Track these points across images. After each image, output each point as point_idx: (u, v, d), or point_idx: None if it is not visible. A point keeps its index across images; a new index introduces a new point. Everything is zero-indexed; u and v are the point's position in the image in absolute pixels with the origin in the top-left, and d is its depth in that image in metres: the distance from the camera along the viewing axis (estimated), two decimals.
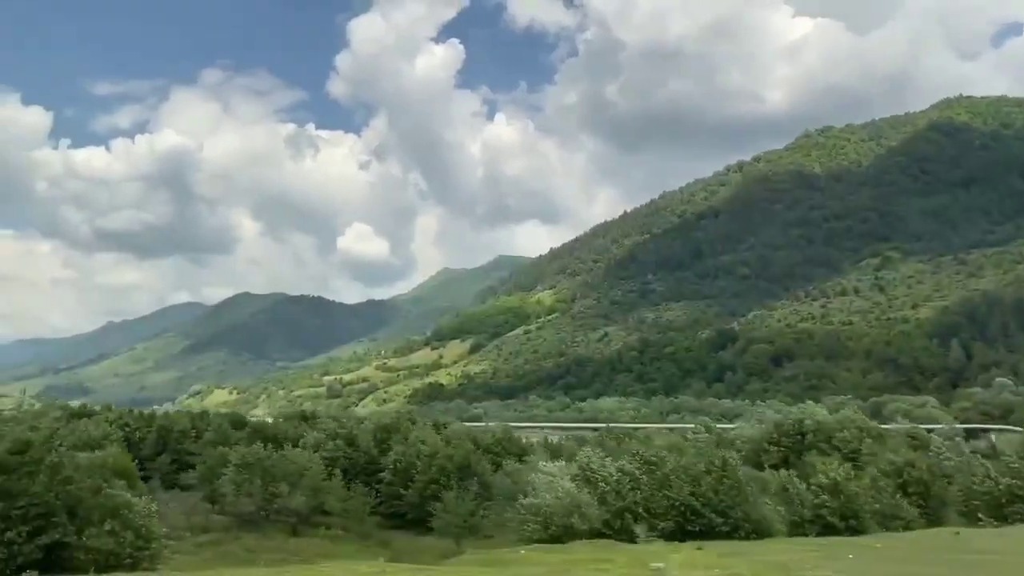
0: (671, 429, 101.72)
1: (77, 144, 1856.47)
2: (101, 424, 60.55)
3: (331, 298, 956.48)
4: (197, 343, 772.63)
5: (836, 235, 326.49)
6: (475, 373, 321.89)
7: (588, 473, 31.21)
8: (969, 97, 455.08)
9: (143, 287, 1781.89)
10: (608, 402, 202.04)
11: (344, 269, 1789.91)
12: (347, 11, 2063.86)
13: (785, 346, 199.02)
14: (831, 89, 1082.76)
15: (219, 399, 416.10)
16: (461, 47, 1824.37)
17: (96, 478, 29.50)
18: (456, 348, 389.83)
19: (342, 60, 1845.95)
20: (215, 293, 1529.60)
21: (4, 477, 24.79)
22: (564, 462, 36.02)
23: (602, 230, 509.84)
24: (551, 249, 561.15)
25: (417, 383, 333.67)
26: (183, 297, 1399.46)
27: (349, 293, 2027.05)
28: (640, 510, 29.53)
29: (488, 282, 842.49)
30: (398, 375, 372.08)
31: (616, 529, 29.29)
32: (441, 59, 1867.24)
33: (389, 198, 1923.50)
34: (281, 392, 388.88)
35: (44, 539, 23.90)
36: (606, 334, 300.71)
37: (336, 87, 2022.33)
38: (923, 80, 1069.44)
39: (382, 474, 50.07)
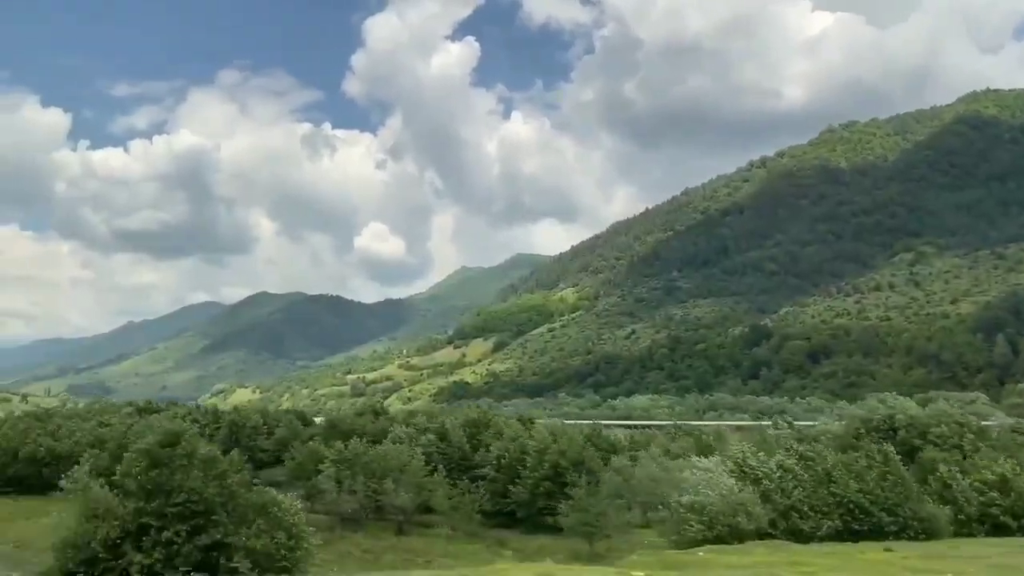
0: (738, 427, 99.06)
1: (96, 145, 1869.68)
2: (175, 420, 59.22)
3: (349, 297, 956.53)
4: (216, 343, 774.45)
5: (865, 230, 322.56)
6: (500, 371, 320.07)
7: (747, 469, 29.28)
8: (996, 90, 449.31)
9: (161, 287, 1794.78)
10: (641, 400, 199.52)
11: (361, 268, 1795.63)
12: (363, 10, 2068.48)
13: (821, 342, 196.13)
14: (851, 84, 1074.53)
15: (242, 398, 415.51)
16: (477, 45, 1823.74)
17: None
18: (479, 347, 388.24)
19: (358, 59, 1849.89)
20: (233, 293, 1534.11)
21: (157, 471, 22.99)
22: (717, 457, 34.04)
23: (624, 227, 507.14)
24: (572, 247, 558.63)
25: (442, 382, 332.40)
26: (201, 297, 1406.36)
27: (366, 292, 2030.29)
28: (805, 508, 27.58)
29: (506, 280, 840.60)
30: (421, 374, 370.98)
31: (782, 529, 27.37)
32: (457, 57, 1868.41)
33: (405, 197, 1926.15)
34: (304, 391, 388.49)
35: (204, 539, 22.01)
36: (633, 332, 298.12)
37: (352, 86, 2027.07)
38: (944, 74, 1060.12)
39: (482, 470, 48.24)
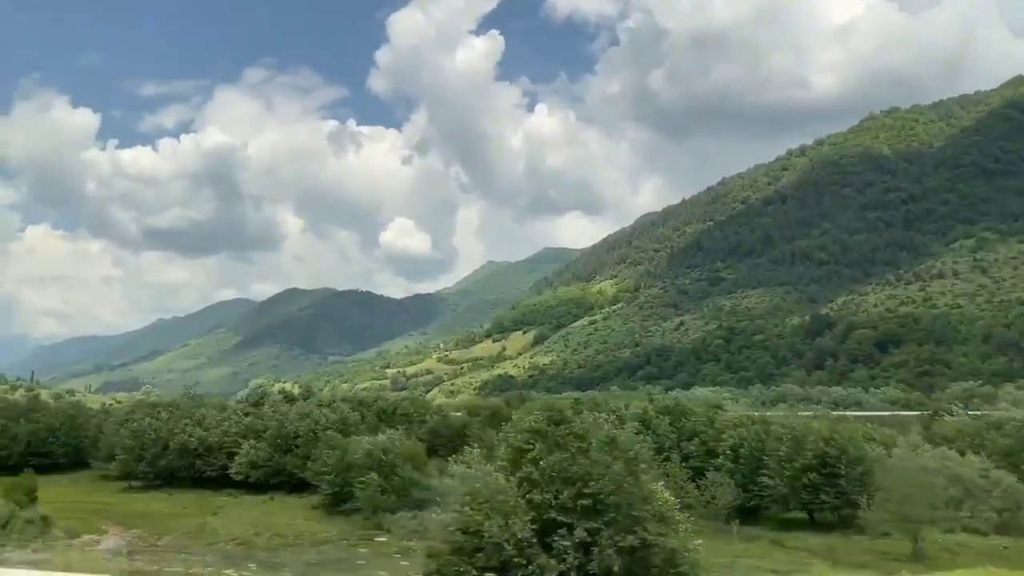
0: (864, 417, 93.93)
1: (124, 144, 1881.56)
2: (338, 407, 56.29)
3: (377, 293, 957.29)
4: (248, 339, 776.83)
5: (916, 218, 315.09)
6: (544, 364, 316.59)
7: None
8: None
9: (190, 285, 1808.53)
10: (702, 391, 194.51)
11: (387, 264, 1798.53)
12: (387, 6, 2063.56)
13: (889, 331, 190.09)
14: (883, 72, 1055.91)
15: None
16: (501, 38, 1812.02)
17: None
18: (519, 340, 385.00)
19: (382, 55, 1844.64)
20: (261, 290, 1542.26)
21: (562, 455, 18.65)
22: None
23: (660, 218, 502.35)
24: (604, 239, 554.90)
25: (484, 375, 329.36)
26: (229, 294, 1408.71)
27: (392, 288, 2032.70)
28: None
29: (534, 274, 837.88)
30: (461, 367, 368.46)
31: None
32: (481, 51, 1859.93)
33: (431, 192, 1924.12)
34: (344, 385, 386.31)
35: (631, 540, 17.50)
36: (682, 323, 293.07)
37: (377, 83, 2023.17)
38: (979, 60, 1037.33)
39: (714, 461, 43.50)
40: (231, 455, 52.39)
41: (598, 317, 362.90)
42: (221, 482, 56.56)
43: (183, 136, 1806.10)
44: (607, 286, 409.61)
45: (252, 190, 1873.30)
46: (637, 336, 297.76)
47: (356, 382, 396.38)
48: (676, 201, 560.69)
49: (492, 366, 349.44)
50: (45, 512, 37.97)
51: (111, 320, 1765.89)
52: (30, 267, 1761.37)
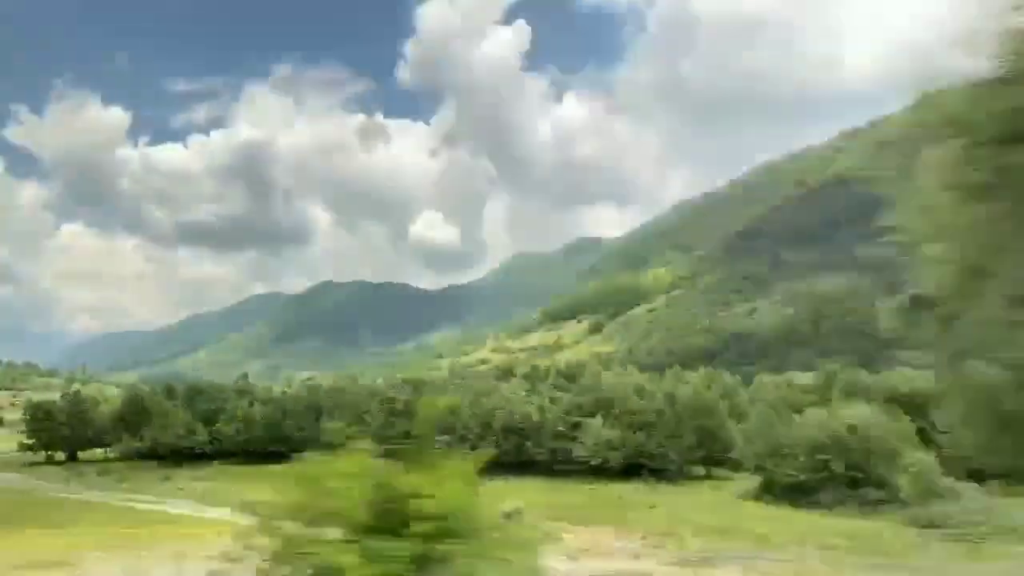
0: None
1: (155, 141, 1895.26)
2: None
3: (413, 285, 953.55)
4: (285, 332, 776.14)
5: None
6: (608, 352, 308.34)
7: None
8: None
9: (222, 279, 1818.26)
10: (801, 378, 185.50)
11: (416, 256, 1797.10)
12: None
13: None
14: (918, 52, 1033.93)
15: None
16: (527, 28, 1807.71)
17: None
18: (574, 328, 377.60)
19: (409, 47, 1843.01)
20: (292, 284, 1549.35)
21: None
22: None
23: (704, 205, 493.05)
24: (642, 225, 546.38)
25: (546, 363, 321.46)
26: (261, 288, 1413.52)
27: (421, 280, 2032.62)
28: None
29: (569, 264, 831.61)
30: (517, 356, 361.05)
31: None
32: (508, 42, 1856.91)
33: (459, 185, 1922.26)
34: (400, 376, 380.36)
35: None
36: (755, 308, 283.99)
37: (404, 75, 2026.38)
38: None
39: None
40: (562, 437, 45.51)
41: (657, 304, 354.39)
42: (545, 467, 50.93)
43: (213, 132, 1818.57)
44: (662, 273, 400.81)
45: (282, 184, 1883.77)
46: (708, 322, 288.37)
47: (410, 373, 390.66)
48: (706, 189, 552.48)
49: (550, 355, 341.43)
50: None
51: (144, 316, 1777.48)
52: (65, 264, 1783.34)
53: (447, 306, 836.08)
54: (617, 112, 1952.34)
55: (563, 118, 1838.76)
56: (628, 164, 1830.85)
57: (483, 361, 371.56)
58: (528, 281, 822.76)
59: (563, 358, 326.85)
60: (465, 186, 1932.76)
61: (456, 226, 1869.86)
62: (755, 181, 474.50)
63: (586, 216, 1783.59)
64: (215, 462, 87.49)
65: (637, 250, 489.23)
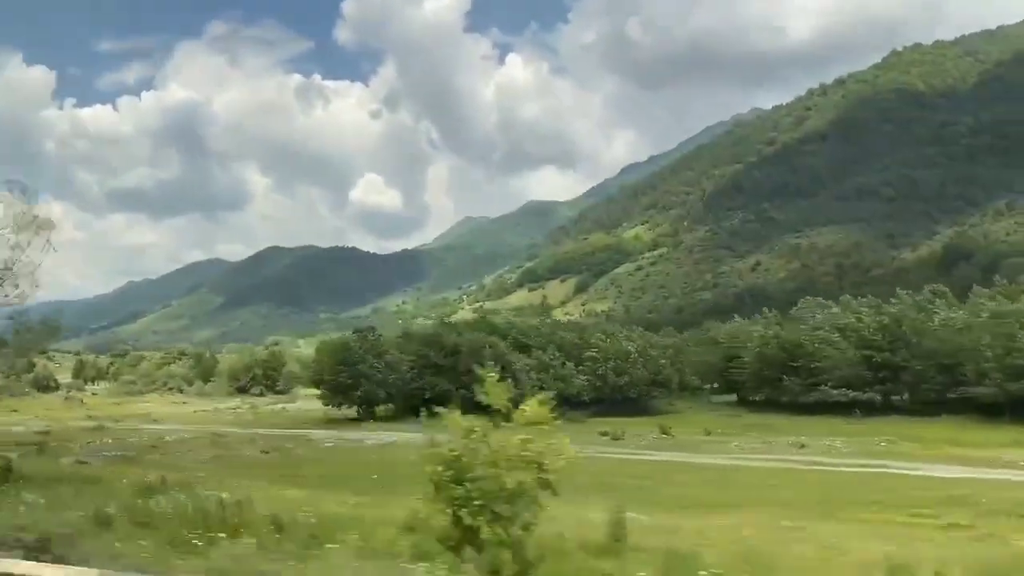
0: None
1: (83, 103, 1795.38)
2: None
3: (364, 249, 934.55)
4: (232, 298, 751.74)
5: (979, 151, 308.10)
6: (603, 311, 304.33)
7: None
8: None
9: (158, 246, 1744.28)
10: None
11: (358, 221, 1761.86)
12: None
13: None
14: (859, 17, 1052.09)
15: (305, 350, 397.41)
16: None
17: None
18: (558, 288, 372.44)
19: (348, 6, 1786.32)
20: (230, 250, 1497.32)
21: None
22: None
23: (680, 163, 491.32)
24: (600, 185, 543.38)
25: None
26: (198, 255, 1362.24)
27: (365, 245, 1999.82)
28: None
29: (521, 227, 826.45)
30: (504, 317, 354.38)
31: None
32: (448, 2, 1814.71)
33: (400, 147, 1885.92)
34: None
35: None
36: (758, 262, 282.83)
37: (343, 34, 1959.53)
38: (961, 3, 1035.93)
39: None
40: None
41: (643, 262, 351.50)
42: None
43: (144, 94, 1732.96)
44: (641, 232, 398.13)
45: (218, 148, 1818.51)
46: (709, 278, 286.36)
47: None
48: (653, 151, 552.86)
49: (540, 315, 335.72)
50: None
51: (77, 284, 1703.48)
52: None
53: (400, 270, 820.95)
54: (561, 74, 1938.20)
55: (506, 80, 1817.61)
56: (573, 127, 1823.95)
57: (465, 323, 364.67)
58: (481, 244, 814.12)
59: (557, 316, 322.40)
60: (407, 149, 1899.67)
61: (398, 190, 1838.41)
62: (726, 140, 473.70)
63: (531, 179, 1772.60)
64: None
65: (609, 210, 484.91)
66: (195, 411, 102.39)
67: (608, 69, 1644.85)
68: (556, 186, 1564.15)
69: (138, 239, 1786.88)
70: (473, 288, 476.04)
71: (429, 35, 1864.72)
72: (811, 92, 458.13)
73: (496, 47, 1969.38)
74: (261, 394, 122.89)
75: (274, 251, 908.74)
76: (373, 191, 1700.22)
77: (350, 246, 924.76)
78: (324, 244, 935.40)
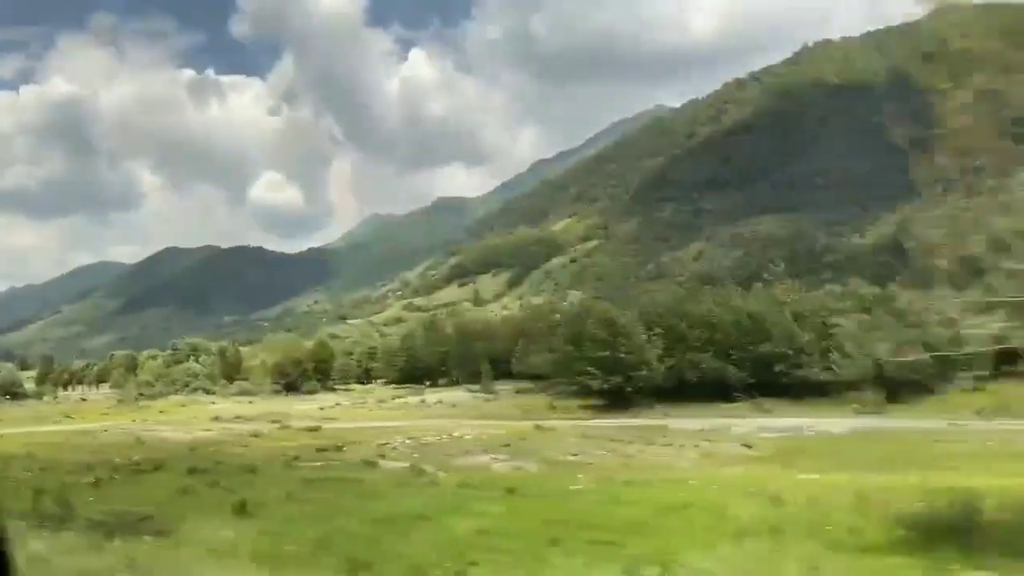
0: None
1: None
2: None
3: (269, 248, 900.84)
4: (130, 302, 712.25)
5: (905, 142, 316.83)
6: (540, 304, 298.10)
7: None
8: (966, 2, 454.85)
9: (43, 249, 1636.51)
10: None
11: (257, 220, 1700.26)
12: None
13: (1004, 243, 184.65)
14: (758, 14, 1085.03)
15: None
16: None
17: None
18: (490, 282, 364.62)
19: None
20: (123, 252, 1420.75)
21: None
22: None
23: (601, 158, 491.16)
24: (542, 181, 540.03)
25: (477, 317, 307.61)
26: (87, 258, 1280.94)
27: (265, 245, 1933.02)
28: None
29: (432, 224, 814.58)
30: (434, 313, 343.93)
31: None
32: None
33: (301, 144, 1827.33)
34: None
35: None
36: (701, 252, 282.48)
37: (238, 27, 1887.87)
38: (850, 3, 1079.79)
39: None
40: None
41: (577, 254, 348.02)
42: None
43: (23, 88, 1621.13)
44: (571, 224, 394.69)
45: (106, 145, 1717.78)
46: (651, 267, 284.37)
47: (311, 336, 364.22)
48: (560, 148, 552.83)
49: (474, 309, 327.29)
50: None
51: None
52: None
53: (307, 270, 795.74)
54: (466, 71, 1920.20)
55: (410, 76, 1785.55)
56: (479, 123, 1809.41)
57: (399, 319, 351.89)
58: (390, 242, 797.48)
59: (492, 309, 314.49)
60: (308, 146, 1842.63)
61: (300, 188, 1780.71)
62: (644, 134, 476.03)
63: (439, 175, 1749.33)
64: None
65: (531, 204, 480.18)
66: (322, 408, 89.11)
67: (513, 66, 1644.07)
68: (465, 182, 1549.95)
69: (18, 242, 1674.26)
70: (395, 285, 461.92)
71: (328, 29, 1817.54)
72: (727, 86, 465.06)
73: (398, 42, 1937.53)
74: (313, 390, 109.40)
75: (171, 252, 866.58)
76: (273, 189, 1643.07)
77: (254, 245, 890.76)
78: (224, 244, 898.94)
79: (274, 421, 68.78)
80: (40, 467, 30.34)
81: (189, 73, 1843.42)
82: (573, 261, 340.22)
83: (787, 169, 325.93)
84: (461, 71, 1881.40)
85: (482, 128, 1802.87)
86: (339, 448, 38.90)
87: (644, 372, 79.36)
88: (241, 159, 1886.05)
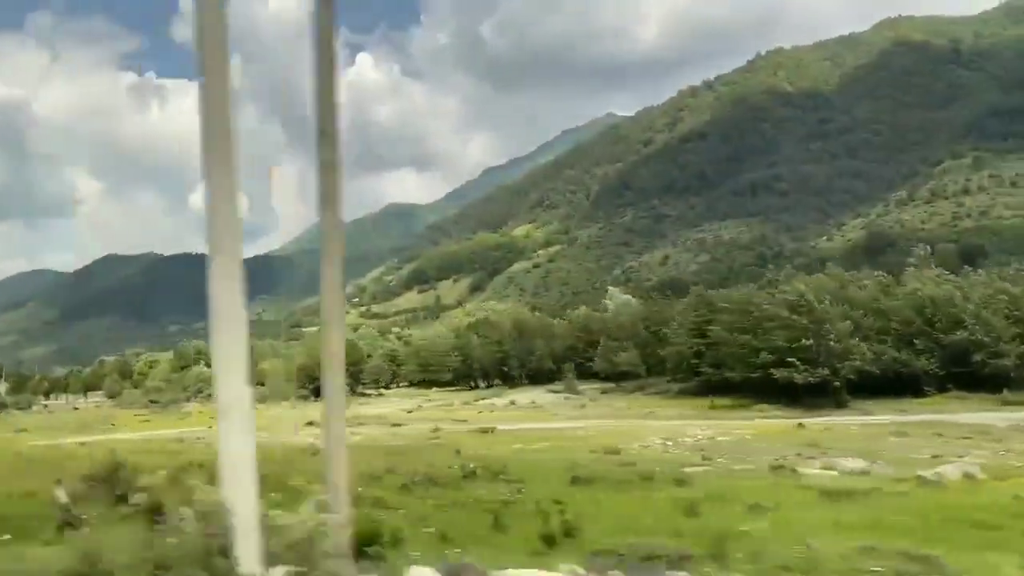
0: None
1: None
2: None
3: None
4: (68, 311, 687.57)
5: (859, 147, 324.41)
6: (506, 310, 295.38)
7: None
8: (909, 17, 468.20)
9: None
10: None
11: (200, 227, 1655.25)
12: None
13: (970, 244, 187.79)
14: (704, 25, 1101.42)
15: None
16: None
17: None
18: (451, 288, 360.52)
19: (185, 1, 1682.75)
20: (60, 259, 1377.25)
21: None
22: None
23: (558, 163, 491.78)
24: (500, 186, 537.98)
25: (440, 325, 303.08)
26: (23, 265, 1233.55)
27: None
28: None
29: (382, 230, 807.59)
30: (394, 320, 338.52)
31: None
32: None
33: (245, 149, 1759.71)
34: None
35: None
36: (667, 256, 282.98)
37: (180, 30, 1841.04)
38: (794, 14, 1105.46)
39: None
40: None
41: (540, 260, 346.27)
42: None
43: None
44: (531, 230, 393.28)
45: (42, 150, 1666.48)
46: (617, 272, 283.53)
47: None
48: (511, 155, 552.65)
49: (437, 317, 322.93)
50: None
51: None
52: None
53: (252, 277, 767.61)
54: (414, 76, 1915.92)
55: (357, 81, 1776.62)
56: (429, 129, 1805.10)
57: (356, 327, 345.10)
58: (346, 248, 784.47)
59: (458, 316, 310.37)
60: (252, 151, 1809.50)
61: (244, 193, 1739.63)
62: (603, 140, 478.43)
63: (388, 181, 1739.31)
64: None
65: (489, 209, 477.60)
66: (410, 411, 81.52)
67: (463, 72, 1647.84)
68: (414, 188, 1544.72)
69: None
70: (350, 291, 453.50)
71: (273, 33, 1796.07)
72: (682, 94, 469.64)
73: (346, 46, 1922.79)
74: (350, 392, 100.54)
75: (111, 260, 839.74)
76: None
77: (197, 252, 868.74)
78: (166, 251, 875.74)
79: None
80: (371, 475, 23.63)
81: (129, 76, 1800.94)
82: (536, 267, 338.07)
83: (745, 175, 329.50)
84: (409, 76, 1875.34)
85: (431, 134, 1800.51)
86: (614, 452, 33.00)
87: (854, 362, 68.87)
88: (183, 164, 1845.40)
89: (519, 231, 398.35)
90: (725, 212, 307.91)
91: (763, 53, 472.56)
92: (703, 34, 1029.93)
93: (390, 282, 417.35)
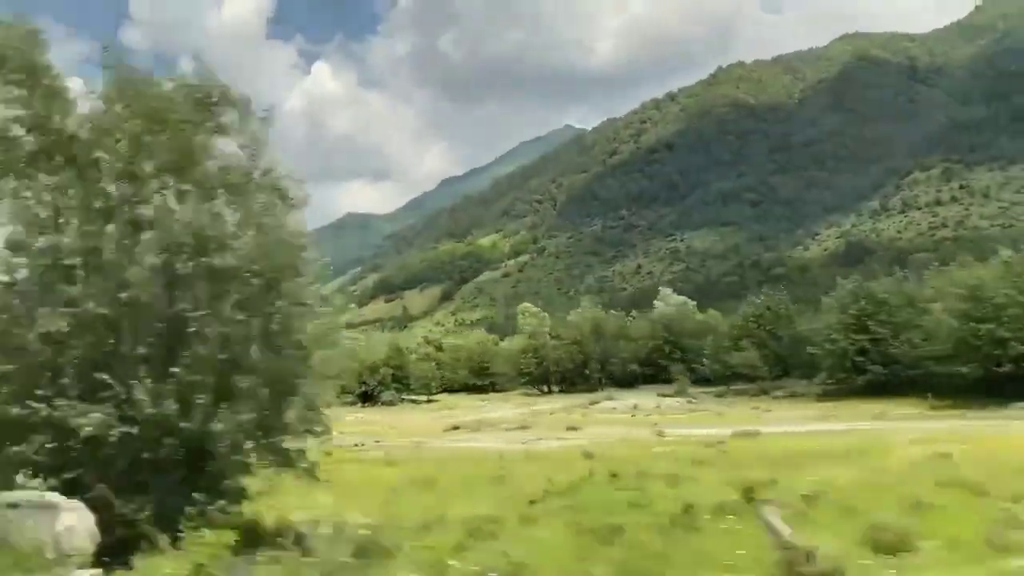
0: None
1: None
2: None
3: None
4: None
5: (825, 159, 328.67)
6: (477, 320, 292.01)
7: None
8: (867, 34, 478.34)
9: None
10: None
11: None
12: None
13: (944, 254, 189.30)
14: (659, 39, 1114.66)
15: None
16: None
17: None
18: (419, 298, 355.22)
19: (136, 5, 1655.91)
20: None
21: None
22: None
23: (523, 173, 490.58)
24: (465, 196, 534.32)
25: (412, 333, 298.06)
26: None
27: None
28: None
29: (341, 240, 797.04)
30: (364, 330, 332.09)
31: None
32: (250, 6, 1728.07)
33: None
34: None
35: None
36: (639, 266, 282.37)
37: (131, 36, 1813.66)
38: (747, 28, 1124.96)
39: None
40: None
41: (509, 269, 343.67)
42: None
43: None
44: (498, 240, 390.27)
45: None
46: (591, 281, 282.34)
47: None
48: (470, 165, 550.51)
49: (405, 327, 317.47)
50: None
51: None
52: None
53: None
54: (371, 86, 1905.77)
55: (314, 90, 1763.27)
56: (385, 139, 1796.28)
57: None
58: None
59: (426, 326, 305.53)
60: None
61: None
62: (569, 151, 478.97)
63: (343, 191, 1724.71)
64: None
65: (454, 219, 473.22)
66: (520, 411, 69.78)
67: (420, 83, 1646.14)
68: (371, 198, 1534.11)
69: None
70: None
71: (229, 40, 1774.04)
72: (644, 106, 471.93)
73: (302, 56, 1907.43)
74: (392, 401, 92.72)
75: None
76: None
77: None
78: None
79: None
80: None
81: (76, 83, 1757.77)
82: (506, 276, 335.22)
83: (714, 185, 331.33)
84: (366, 86, 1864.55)
85: (389, 144, 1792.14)
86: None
87: None
88: None
89: (485, 240, 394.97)
90: (696, 222, 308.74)
91: (724, 67, 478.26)
92: (659, 48, 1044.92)
93: (354, 292, 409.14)
